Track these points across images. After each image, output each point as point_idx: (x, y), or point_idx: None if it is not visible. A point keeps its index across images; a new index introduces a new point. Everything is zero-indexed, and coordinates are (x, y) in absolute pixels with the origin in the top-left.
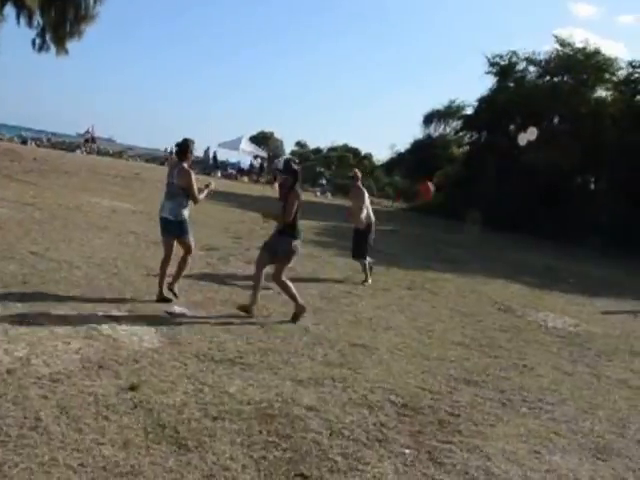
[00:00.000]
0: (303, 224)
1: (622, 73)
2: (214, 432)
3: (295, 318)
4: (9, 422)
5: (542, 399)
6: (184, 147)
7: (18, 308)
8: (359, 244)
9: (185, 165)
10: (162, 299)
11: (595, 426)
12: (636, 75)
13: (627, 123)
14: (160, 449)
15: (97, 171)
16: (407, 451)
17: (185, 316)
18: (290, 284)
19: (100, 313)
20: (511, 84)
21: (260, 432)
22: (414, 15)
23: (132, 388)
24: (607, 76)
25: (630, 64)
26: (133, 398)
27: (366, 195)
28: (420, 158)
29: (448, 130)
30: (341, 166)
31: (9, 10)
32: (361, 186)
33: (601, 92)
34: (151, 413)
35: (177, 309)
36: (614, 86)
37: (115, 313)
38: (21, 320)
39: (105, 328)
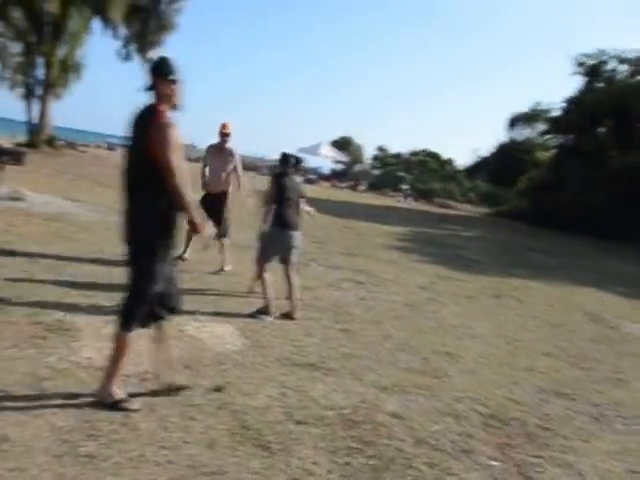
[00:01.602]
0: (384, 230)
1: None
2: (298, 436)
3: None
4: (100, 417)
5: (639, 415)
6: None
7: (107, 308)
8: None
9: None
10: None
11: None
12: None
13: None
14: (245, 450)
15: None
16: (495, 464)
17: (267, 320)
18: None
19: (185, 315)
20: (600, 84)
21: (344, 438)
22: (496, 16)
23: (217, 389)
24: None
25: None
26: (218, 399)
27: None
28: (504, 162)
29: (533, 133)
30: (423, 171)
31: (95, 24)
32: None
33: None
34: (236, 415)
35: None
36: None
37: (199, 315)
38: (111, 320)
39: (189, 329)
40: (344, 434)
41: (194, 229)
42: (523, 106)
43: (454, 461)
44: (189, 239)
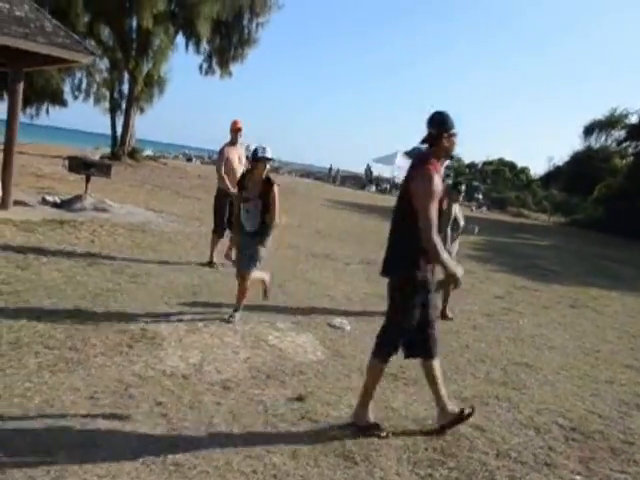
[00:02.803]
0: (459, 239)
1: None
2: (380, 447)
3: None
4: (186, 425)
5: None
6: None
7: (190, 317)
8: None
9: None
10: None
11: None
12: None
13: None
14: (327, 461)
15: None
16: (578, 478)
17: (346, 329)
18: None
19: (266, 324)
20: None
21: (426, 449)
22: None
23: (299, 399)
24: None
25: None
26: (300, 408)
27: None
28: (579, 170)
29: (610, 141)
30: (497, 180)
31: (179, 40)
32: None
33: None
34: (318, 424)
35: (338, 322)
36: None
37: (280, 325)
38: (193, 329)
39: (271, 339)
40: (426, 445)
41: (452, 281)
42: (599, 113)
43: (536, 474)
44: None
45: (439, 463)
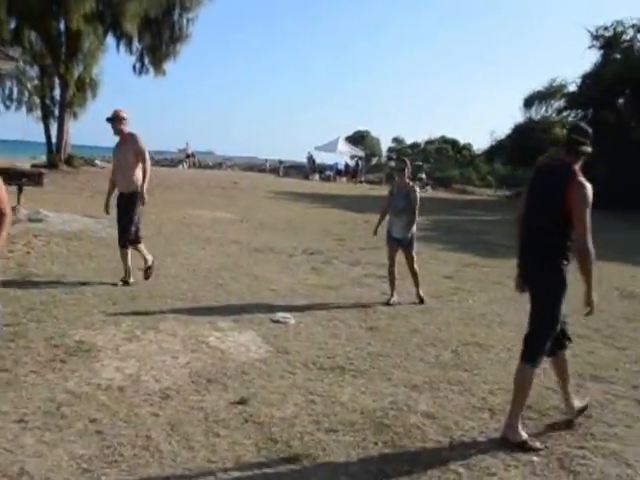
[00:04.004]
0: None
1: None
2: (328, 445)
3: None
4: (122, 441)
5: None
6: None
7: (128, 325)
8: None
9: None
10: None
11: None
12: None
13: None
14: (273, 466)
15: (198, 183)
16: (535, 459)
17: (291, 323)
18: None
19: (207, 325)
20: (618, 55)
21: (376, 444)
22: None
23: (242, 402)
24: None
25: None
26: (243, 412)
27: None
28: (521, 143)
29: (550, 111)
30: (440, 159)
31: (109, 40)
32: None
33: None
34: (262, 427)
35: (281, 316)
36: None
37: (221, 324)
38: (130, 337)
39: (212, 340)
40: (376, 440)
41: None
42: (538, 85)
43: (492, 459)
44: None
45: (391, 457)
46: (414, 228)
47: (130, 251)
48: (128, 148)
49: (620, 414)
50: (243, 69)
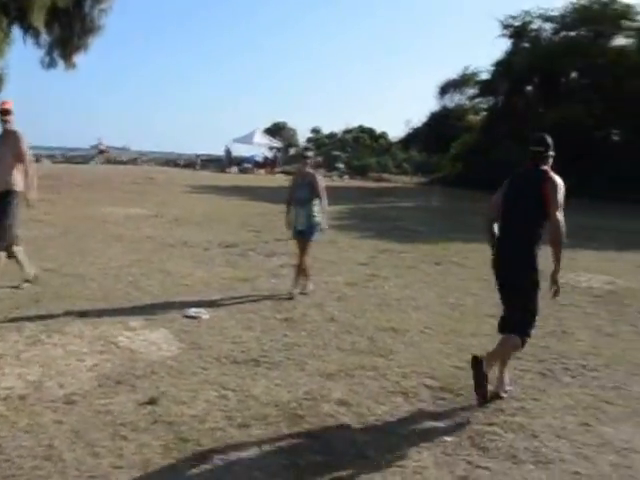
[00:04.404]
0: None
1: None
2: (240, 441)
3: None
4: (22, 453)
5: (585, 365)
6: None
7: (31, 329)
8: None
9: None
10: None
11: None
12: None
13: None
14: (183, 467)
15: (110, 179)
16: (448, 439)
17: (204, 318)
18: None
19: (117, 325)
20: (526, 44)
21: (290, 435)
22: None
23: (151, 402)
24: (626, 23)
25: None
26: (152, 412)
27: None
28: (436, 130)
29: (463, 99)
30: (357, 148)
31: (16, 33)
32: None
33: (620, 41)
34: (172, 427)
35: (194, 312)
36: (636, 34)
37: (132, 323)
38: (34, 341)
39: (122, 340)
40: (290, 431)
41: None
42: (453, 73)
43: (405, 442)
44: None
45: (305, 448)
46: (320, 217)
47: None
48: (9, 146)
49: (528, 388)
50: (162, 64)
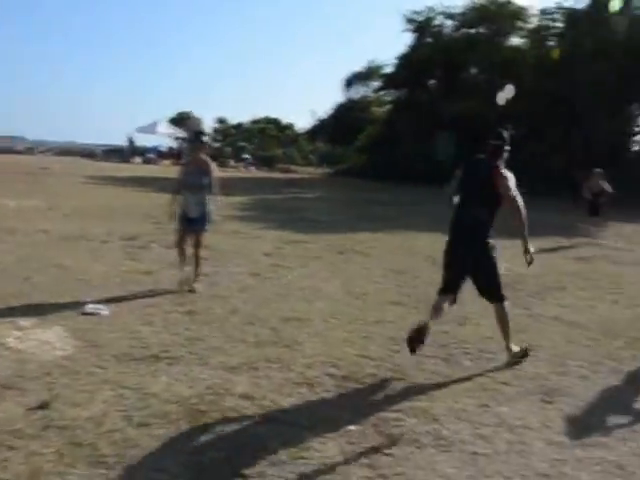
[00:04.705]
0: (226, 201)
1: (534, 21)
2: (139, 442)
3: None
4: None
5: (484, 349)
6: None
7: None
8: None
9: None
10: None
11: (538, 368)
12: (546, 22)
13: (541, 70)
14: (77, 473)
15: (1, 170)
16: (352, 427)
17: (102, 315)
18: None
19: (6, 325)
20: (429, 39)
21: (192, 433)
22: None
23: (42, 406)
24: (520, 24)
25: (541, 12)
26: (44, 417)
27: None
28: (342, 122)
29: (369, 91)
30: (264, 138)
31: None
32: None
33: (515, 40)
34: (65, 432)
35: (92, 308)
36: (529, 34)
37: (23, 322)
38: None
39: (10, 341)
40: (191, 428)
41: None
42: (358, 65)
43: (310, 434)
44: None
45: (207, 445)
46: (211, 206)
47: None
48: None
49: (430, 373)
50: (58, 51)
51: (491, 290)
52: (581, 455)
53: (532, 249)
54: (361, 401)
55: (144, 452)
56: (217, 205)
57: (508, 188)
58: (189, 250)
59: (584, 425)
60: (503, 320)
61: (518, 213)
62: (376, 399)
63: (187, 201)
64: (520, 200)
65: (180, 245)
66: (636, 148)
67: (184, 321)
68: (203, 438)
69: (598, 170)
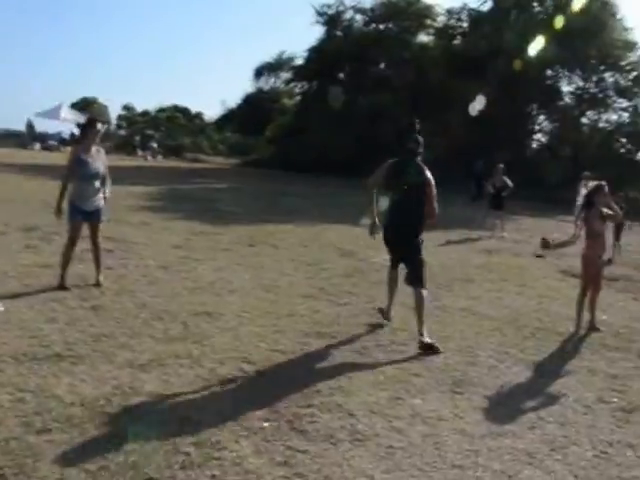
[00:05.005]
0: (133, 191)
1: (442, 19)
2: (39, 449)
3: None
4: None
5: (394, 340)
6: None
7: None
8: None
9: None
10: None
11: (448, 359)
12: (453, 22)
13: (447, 67)
14: None
15: None
16: (266, 424)
17: None
18: None
19: None
20: (339, 33)
21: (96, 437)
22: None
23: None
24: (428, 22)
25: (448, 11)
26: None
27: None
28: (251, 112)
29: (279, 82)
30: (171, 127)
31: None
32: None
33: (423, 38)
34: None
35: None
36: (436, 32)
37: None
38: None
39: None
40: (97, 432)
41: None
42: (269, 56)
43: (223, 433)
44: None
45: (113, 449)
46: (107, 196)
47: None
48: None
49: (342, 366)
50: None
51: (420, 280)
52: (492, 445)
53: None
54: (274, 397)
55: (45, 461)
56: (110, 196)
57: (433, 186)
58: (86, 244)
59: (494, 415)
60: (423, 305)
61: (433, 210)
62: (289, 395)
63: (84, 193)
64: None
65: (75, 239)
66: (534, 146)
67: (89, 317)
68: (110, 442)
69: (501, 166)
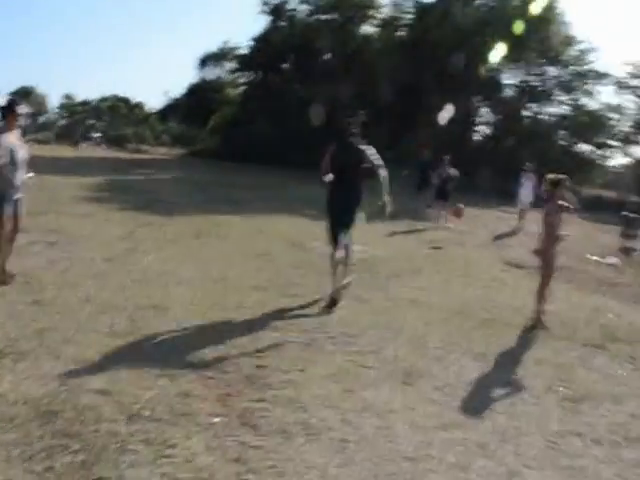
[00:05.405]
0: (76, 182)
1: (386, 11)
2: None
3: None
4: None
5: (345, 332)
6: None
7: None
8: None
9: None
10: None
11: (398, 351)
12: (397, 14)
13: (391, 58)
14: None
15: None
16: (217, 420)
17: None
18: None
19: None
20: (284, 23)
21: (42, 437)
22: None
23: None
24: (371, 13)
25: (393, 3)
26: None
27: None
28: (195, 102)
29: (223, 72)
30: (113, 117)
31: None
32: None
33: (367, 29)
34: None
35: None
36: (381, 23)
37: None
38: None
39: None
40: (42, 432)
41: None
42: (213, 46)
43: (173, 429)
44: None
45: (60, 449)
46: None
47: None
48: None
49: (294, 359)
50: None
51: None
52: (445, 436)
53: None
54: (225, 392)
55: None
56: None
57: (375, 163)
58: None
59: (445, 406)
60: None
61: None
62: (240, 389)
63: (14, 183)
64: (385, 172)
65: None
66: (477, 137)
67: (31, 311)
68: (56, 442)
69: (446, 157)
